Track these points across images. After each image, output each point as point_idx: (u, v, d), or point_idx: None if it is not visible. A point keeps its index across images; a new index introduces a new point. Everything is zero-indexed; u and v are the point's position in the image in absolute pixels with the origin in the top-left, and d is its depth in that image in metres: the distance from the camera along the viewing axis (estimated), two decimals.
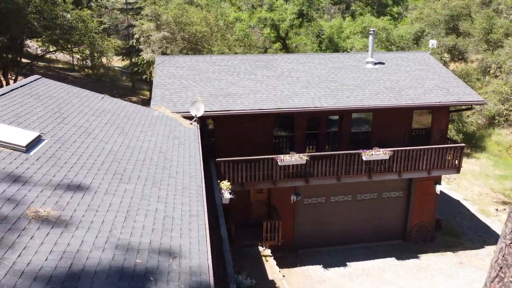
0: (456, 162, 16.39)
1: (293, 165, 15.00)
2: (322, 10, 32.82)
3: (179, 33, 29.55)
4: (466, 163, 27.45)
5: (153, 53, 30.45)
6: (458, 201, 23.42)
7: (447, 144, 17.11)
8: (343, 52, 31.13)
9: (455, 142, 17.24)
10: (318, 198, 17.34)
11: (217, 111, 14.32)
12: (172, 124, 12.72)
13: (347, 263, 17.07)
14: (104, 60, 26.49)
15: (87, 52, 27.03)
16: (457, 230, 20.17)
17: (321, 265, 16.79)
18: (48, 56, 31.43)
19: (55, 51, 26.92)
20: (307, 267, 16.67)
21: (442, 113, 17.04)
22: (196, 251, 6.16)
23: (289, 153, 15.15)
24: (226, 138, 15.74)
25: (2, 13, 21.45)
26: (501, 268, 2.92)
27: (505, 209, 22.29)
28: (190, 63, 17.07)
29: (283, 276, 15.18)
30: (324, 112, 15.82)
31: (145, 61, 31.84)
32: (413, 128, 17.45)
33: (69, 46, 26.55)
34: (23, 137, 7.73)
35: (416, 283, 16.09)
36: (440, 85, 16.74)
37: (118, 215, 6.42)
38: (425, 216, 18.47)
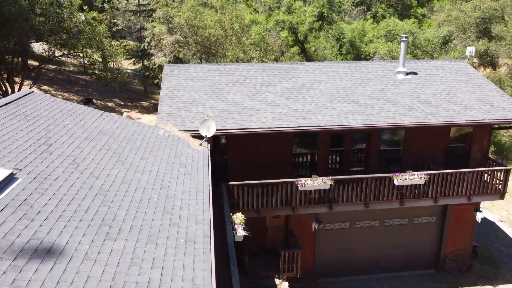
0: (500, 187, 14.45)
1: (315, 190, 13.29)
2: (343, 12, 30.91)
3: (192, 36, 28.07)
4: None
5: (165, 57, 29.07)
6: (493, 223, 21.34)
7: (489, 165, 15.17)
8: (366, 57, 29.24)
9: (498, 163, 15.28)
10: (342, 224, 15.58)
11: (231, 129, 12.68)
12: (178, 146, 11.14)
13: None
14: (112, 64, 25.10)
15: (95, 56, 25.72)
16: (495, 257, 18.16)
17: None
18: (58, 58, 30.31)
19: (62, 55, 25.69)
20: None
21: (484, 130, 15.11)
22: None
23: (311, 176, 13.45)
24: (240, 158, 14.12)
25: (5, 16, 20.24)
26: None
27: None
28: (201, 73, 15.49)
29: None
30: (351, 131, 14.06)
31: (156, 66, 30.48)
32: (449, 145, 15.57)
33: (76, 50, 25.28)
34: None
35: None
36: (482, 99, 14.82)
37: None
38: (460, 243, 16.54)
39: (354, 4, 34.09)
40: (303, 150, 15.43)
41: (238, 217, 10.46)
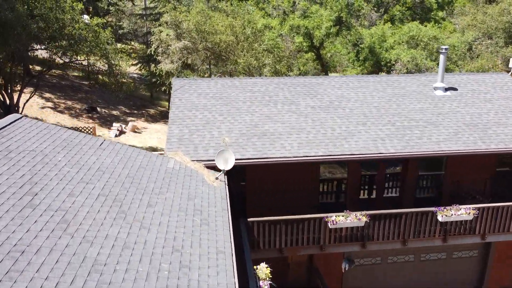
0: None
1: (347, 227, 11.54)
2: (363, 17, 29.08)
3: (201, 42, 26.39)
4: None
5: (173, 63, 27.43)
6: None
7: None
8: (386, 64, 27.42)
9: None
10: (373, 259, 13.83)
11: (251, 158, 10.96)
12: (192, 182, 9.44)
13: None
14: (118, 73, 23.47)
15: (99, 64, 24.10)
16: None
17: None
18: (59, 68, 28.76)
19: (63, 64, 24.10)
20: None
21: None
22: None
23: (339, 209, 11.73)
24: (259, 188, 12.40)
25: (0, 23, 18.66)
26: None
27: None
28: (215, 89, 13.79)
29: None
30: (390, 159, 12.31)
31: (164, 72, 28.84)
32: (496, 170, 13.78)
33: (78, 58, 23.68)
34: None
35: None
36: None
37: None
38: (505, 280, 14.72)
39: (375, 8, 32.17)
40: (330, 175, 13.71)
41: (263, 271, 8.74)
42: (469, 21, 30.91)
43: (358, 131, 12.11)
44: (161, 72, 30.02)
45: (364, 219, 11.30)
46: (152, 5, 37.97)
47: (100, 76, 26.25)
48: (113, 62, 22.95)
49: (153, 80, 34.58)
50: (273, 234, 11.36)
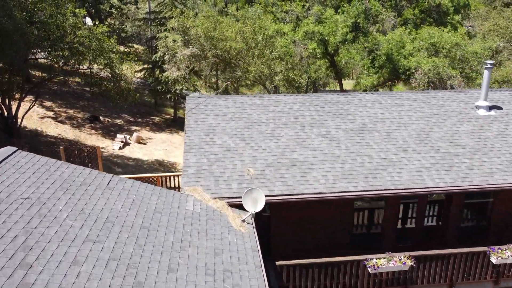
0: None
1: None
2: (381, 23, 27.60)
3: (210, 50, 24.97)
4: None
5: (179, 71, 26.00)
6: None
7: None
8: (405, 72, 25.97)
9: None
10: None
11: (281, 195, 9.54)
12: (216, 229, 8.01)
13: None
14: (123, 84, 22.06)
15: (103, 74, 22.69)
16: None
17: None
18: (59, 77, 27.40)
19: (64, 74, 22.74)
20: None
21: None
22: None
23: (378, 251, 10.30)
24: (287, 228, 10.94)
25: None
26: None
27: None
28: (233, 108, 12.36)
29: None
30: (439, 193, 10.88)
31: (169, 80, 27.41)
32: None
33: (81, 67, 22.30)
34: None
35: None
36: None
37: None
38: None
39: (394, 13, 30.64)
40: (362, 204, 12.29)
41: None
42: (490, 26, 29.45)
43: (399, 160, 10.67)
44: (166, 79, 28.63)
45: (409, 262, 9.86)
46: (157, 9, 36.50)
47: (105, 83, 24.81)
48: (117, 71, 21.58)
49: (158, 87, 33.14)
50: (304, 279, 9.92)
